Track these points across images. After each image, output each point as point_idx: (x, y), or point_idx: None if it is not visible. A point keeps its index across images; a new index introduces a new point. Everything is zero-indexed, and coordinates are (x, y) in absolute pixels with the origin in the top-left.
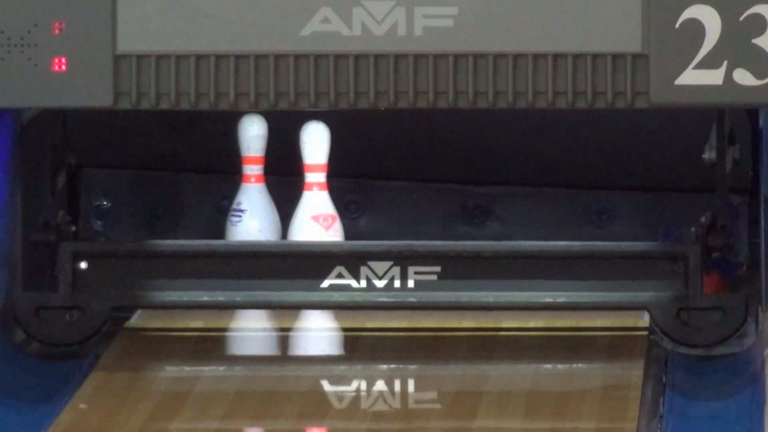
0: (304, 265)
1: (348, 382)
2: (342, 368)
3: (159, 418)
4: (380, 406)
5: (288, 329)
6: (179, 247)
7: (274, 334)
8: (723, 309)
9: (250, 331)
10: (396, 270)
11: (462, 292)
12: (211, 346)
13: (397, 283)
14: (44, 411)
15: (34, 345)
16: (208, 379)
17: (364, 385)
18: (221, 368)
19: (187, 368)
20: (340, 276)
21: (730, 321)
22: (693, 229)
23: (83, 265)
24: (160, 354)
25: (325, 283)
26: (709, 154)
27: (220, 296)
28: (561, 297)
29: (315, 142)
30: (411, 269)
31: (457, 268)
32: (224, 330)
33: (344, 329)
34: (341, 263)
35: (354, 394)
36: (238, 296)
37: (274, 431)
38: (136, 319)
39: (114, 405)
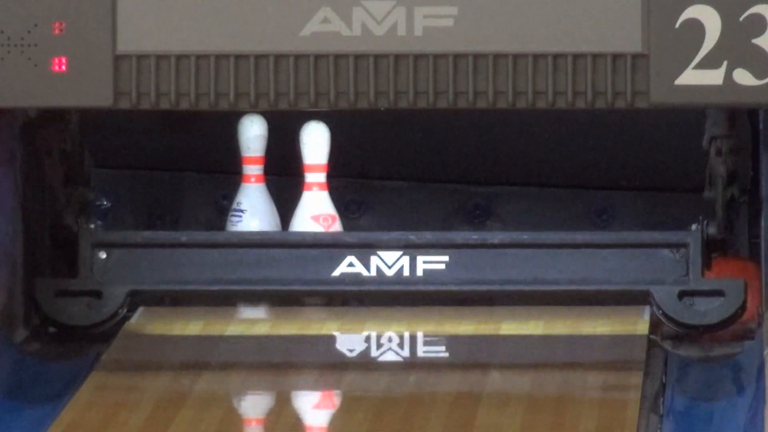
0: (315, 254)
1: (348, 383)
2: (342, 368)
3: (159, 418)
4: (380, 406)
5: (287, 331)
6: (191, 238)
7: (274, 335)
8: (724, 293)
9: (250, 331)
10: (405, 259)
11: (469, 281)
12: (211, 347)
13: (406, 273)
14: (44, 411)
15: (35, 345)
16: (208, 379)
17: (363, 385)
18: (221, 368)
19: (187, 368)
20: (350, 265)
21: (730, 304)
22: (693, 228)
23: (102, 254)
24: (160, 354)
25: (336, 272)
26: None
27: (232, 286)
28: (565, 285)
29: (315, 142)
30: (420, 258)
31: (465, 257)
32: (224, 330)
33: (344, 330)
34: (351, 253)
35: (354, 394)
36: (248, 286)
37: (274, 431)
38: (136, 319)
39: (114, 405)
